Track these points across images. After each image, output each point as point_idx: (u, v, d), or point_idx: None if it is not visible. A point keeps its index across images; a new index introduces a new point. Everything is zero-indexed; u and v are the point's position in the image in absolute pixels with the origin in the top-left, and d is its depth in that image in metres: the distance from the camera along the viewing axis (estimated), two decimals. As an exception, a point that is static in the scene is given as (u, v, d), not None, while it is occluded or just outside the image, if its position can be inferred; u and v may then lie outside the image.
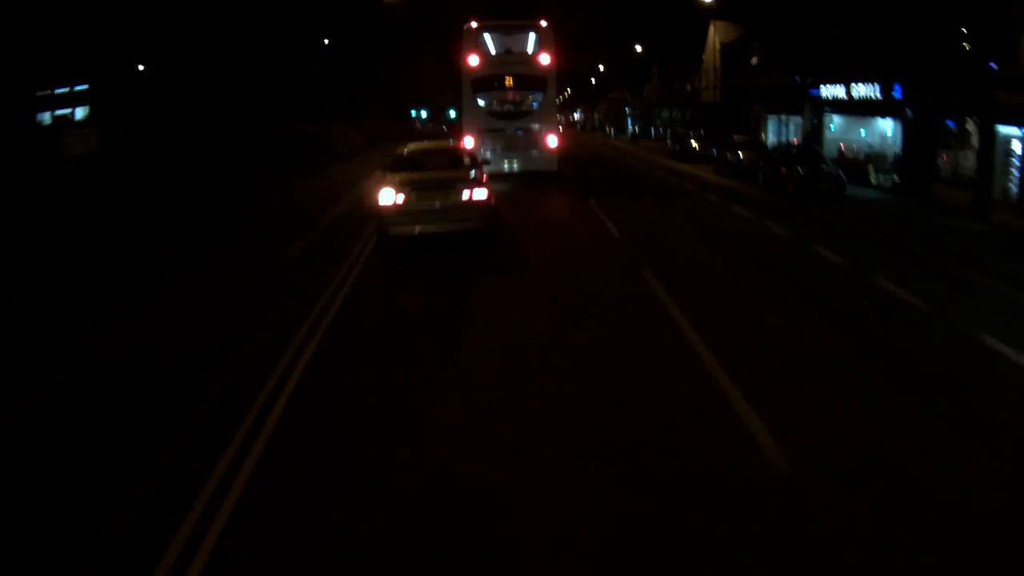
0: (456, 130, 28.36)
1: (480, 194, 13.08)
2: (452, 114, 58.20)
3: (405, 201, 12.78)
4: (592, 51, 63.78)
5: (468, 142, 21.48)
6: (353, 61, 51.31)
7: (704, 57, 47.80)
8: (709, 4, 43.60)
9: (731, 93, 41.92)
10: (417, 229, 12.94)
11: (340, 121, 37.34)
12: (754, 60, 37.66)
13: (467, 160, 15.06)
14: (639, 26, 58.39)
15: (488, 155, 20.62)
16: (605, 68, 72.70)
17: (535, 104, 22.76)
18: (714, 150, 29.21)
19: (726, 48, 44.73)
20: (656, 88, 60.30)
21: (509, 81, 22.50)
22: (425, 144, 18.58)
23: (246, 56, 31.84)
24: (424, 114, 77.52)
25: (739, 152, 25.73)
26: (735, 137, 29.40)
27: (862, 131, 26.21)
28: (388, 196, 12.85)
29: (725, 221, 17.02)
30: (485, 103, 22.69)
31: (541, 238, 14.98)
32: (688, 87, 50.75)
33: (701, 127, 43.86)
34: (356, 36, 51.86)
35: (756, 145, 27.47)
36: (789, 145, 25.77)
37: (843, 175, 20.63)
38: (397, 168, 14.24)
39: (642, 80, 63.91)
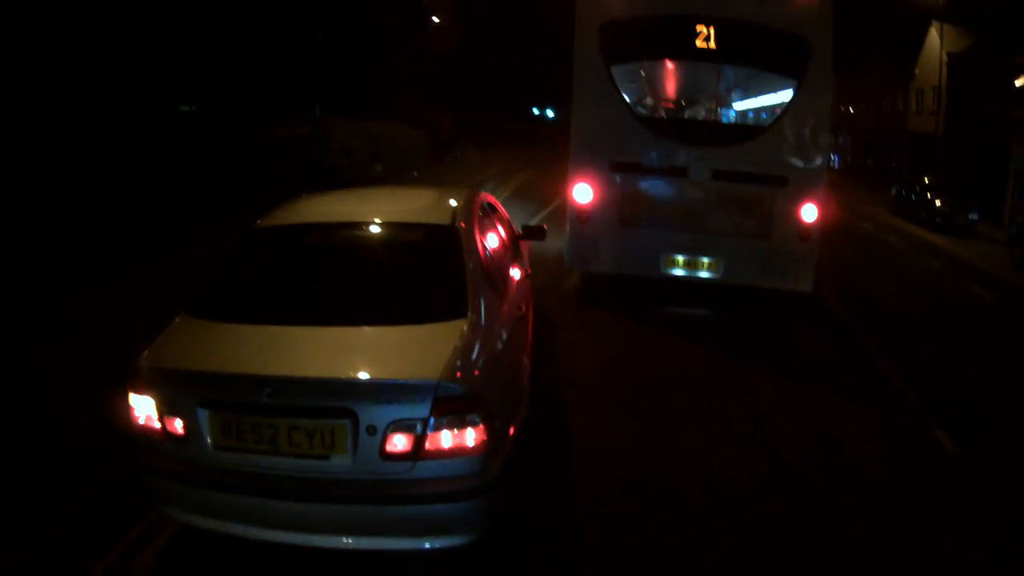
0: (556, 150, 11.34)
1: (465, 437, 3.31)
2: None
3: (189, 438, 3.42)
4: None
5: (580, 195, 8.34)
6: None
7: (917, 71, 34.94)
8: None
9: (965, 125, 29.21)
10: (237, 530, 3.49)
11: (389, 116, 25.06)
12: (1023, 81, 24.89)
13: (464, 278, 3.99)
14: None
15: (622, 232, 8.28)
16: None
17: (751, 106, 9.17)
18: (1014, 228, 16.72)
19: (958, 60, 31.85)
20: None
21: (705, 36, 8.03)
22: (358, 200, 5.62)
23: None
24: (550, 113, 63.89)
25: None
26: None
27: None
28: (148, 410, 3.50)
29: None
30: (636, 97, 8.90)
31: None
32: (884, 109, 37.86)
33: (906, 163, 31.36)
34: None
35: None
36: None
37: None
38: (217, 302, 4.05)
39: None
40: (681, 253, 8.28)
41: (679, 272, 8.34)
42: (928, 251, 17.07)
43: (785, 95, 8.26)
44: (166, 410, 3.46)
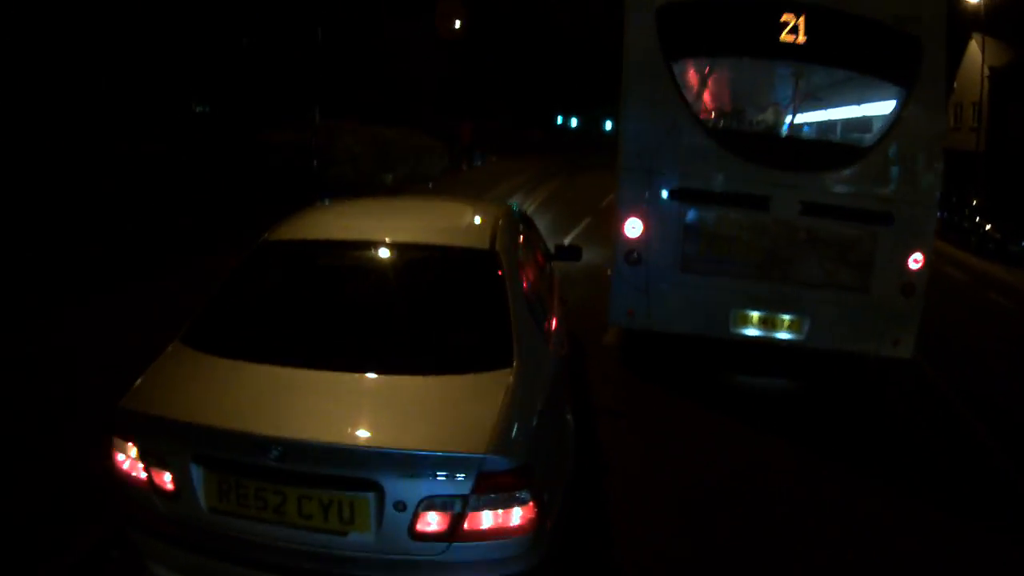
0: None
1: (511, 517, 2.76)
2: (609, 126, 39.76)
3: (179, 495, 2.92)
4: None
5: (630, 230, 6.59)
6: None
7: (955, 86, 33.43)
8: (974, 6, 29.43)
9: (1007, 143, 27.81)
10: None
11: (404, 122, 23.54)
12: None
13: (508, 317, 3.37)
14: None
15: (684, 280, 6.61)
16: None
17: (849, 122, 7.35)
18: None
19: (1000, 75, 30.39)
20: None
21: (794, 28, 6.32)
22: (381, 212, 4.69)
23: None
24: (575, 122, 61.52)
25: None
26: None
27: None
28: (133, 459, 2.97)
29: None
30: (704, 104, 7.24)
31: None
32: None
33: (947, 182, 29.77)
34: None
35: None
36: None
37: None
38: (217, 331, 3.44)
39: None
40: (757, 308, 6.58)
41: (752, 332, 6.63)
42: (992, 286, 15.46)
43: (890, 107, 6.60)
44: (153, 462, 2.95)
